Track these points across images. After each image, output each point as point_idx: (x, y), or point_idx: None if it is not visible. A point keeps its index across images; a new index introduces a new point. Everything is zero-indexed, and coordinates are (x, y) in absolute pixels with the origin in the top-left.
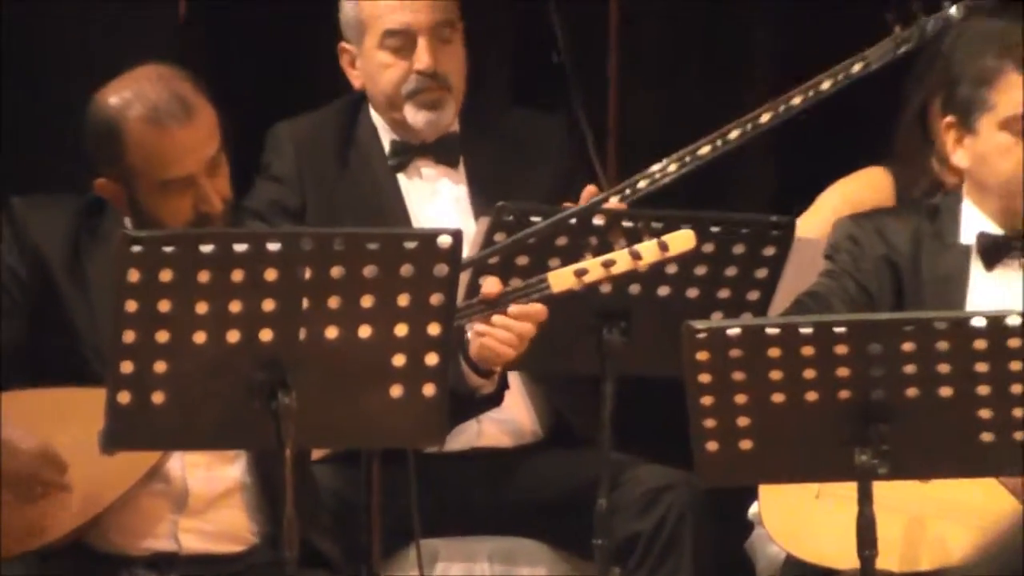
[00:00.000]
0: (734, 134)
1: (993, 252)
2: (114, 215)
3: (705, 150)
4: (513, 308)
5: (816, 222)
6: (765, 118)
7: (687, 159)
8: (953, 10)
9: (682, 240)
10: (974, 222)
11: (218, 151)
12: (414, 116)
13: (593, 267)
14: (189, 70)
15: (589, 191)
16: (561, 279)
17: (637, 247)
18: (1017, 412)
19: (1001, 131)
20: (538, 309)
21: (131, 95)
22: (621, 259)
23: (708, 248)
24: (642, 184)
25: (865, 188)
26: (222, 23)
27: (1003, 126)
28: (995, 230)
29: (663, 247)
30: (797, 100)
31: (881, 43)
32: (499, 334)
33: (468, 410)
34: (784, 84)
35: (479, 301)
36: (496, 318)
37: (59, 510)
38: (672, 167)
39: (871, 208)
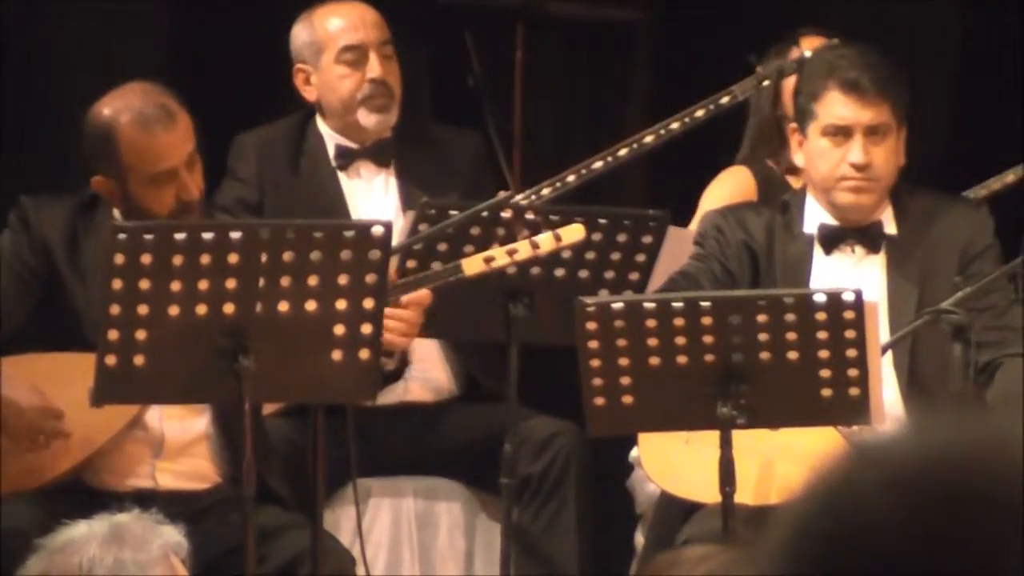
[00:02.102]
0: (623, 152)
1: (830, 240)
2: (105, 209)
3: (598, 165)
4: (403, 299)
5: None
6: (649, 139)
7: (583, 171)
8: (807, 53)
9: (573, 232)
10: (815, 215)
11: (194, 149)
12: (366, 118)
13: (499, 254)
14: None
15: (502, 194)
16: (472, 264)
17: (536, 238)
18: (851, 372)
19: (822, 137)
20: (423, 295)
21: (122, 105)
22: (523, 248)
23: (597, 237)
24: (546, 191)
25: (734, 187)
26: (197, 48)
27: (823, 132)
28: (833, 222)
29: (557, 238)
30: (675, 125)
31: (745, 80)
32: (391, 324)
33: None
34: (660, 108)
35: (398, 284)
36: (387, 311)
37: (57, 454)
38: (571, 178)
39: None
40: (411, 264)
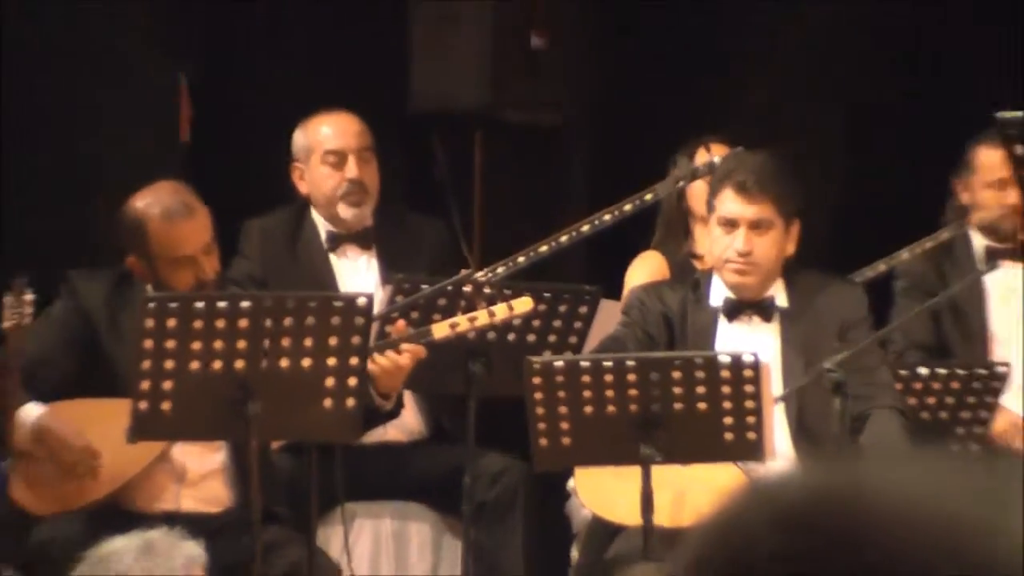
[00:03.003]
0: (564, 238)
1: (732, 311)
2: (139, 283)
3: (544, 248)
4: (404, 346)
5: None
6: (586, 228)
7: (532, 254)
8: (716, 159)
9: (523, 303)
10: (720, 291)
11: (211, 239)
12: (345, 211)
13: (462, 321)
14: (188, 183)
15: (464, 272)
16: (440, 328)
17: (492, 308)
18: (749, 419)
19: (718, 226)
20: (418, 349)
21: (152, 200)
22: (481, 316)
23: (542, 307)
24: (500, 270)
25: (652, 267)
26: (212, 148)
27: (718, 223)
28: (734, 296)
29: (510, 308)
30: (607, 217)
31: (665, 181)
32: (383, 364)
33: (375, 421)
34: (593, 198)
35: (386, 343)
36: (386, 355)
37: (97, 482)
38: (521, 259)
39: (655, 280)
40: (389, 329)
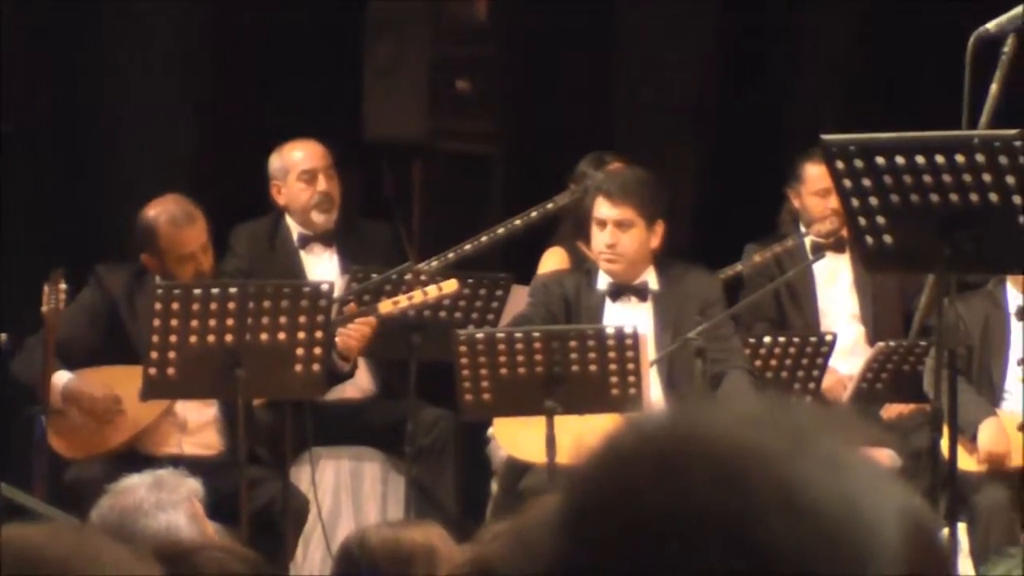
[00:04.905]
0: (484, 239)
1: (615, 294)
2: (152, 275)
3: (468, 247)
4: (358, 320)
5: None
6: (501, 231)
7: (460, 251)
8: (600, 176)
9: (450, 285)
10: (605, 278)
11: (207, 240)
12: (316, 217)
13: (402, 299)
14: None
15: (405, 265)
16: (385, 305)
17: (426, 288)
18: (631, 379)
19: (595, 226)
20: (372, 321)
21: (161, 210)
22: (417, 295)
23: (466, 291)
24: (435, 263)
25: (557, 260)
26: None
27: (594, 223)
28: (615, 281)
29: (440, 289)
30: (518, 222)
31: (564, 193)
32: (351, 333)
33: (335, 380)
34: (508, 208)
35: (344, 318)
36: (348, 327)
37: (116, 431)
38: (451, 255)
39: (556, 269)
40: (346, 309)
